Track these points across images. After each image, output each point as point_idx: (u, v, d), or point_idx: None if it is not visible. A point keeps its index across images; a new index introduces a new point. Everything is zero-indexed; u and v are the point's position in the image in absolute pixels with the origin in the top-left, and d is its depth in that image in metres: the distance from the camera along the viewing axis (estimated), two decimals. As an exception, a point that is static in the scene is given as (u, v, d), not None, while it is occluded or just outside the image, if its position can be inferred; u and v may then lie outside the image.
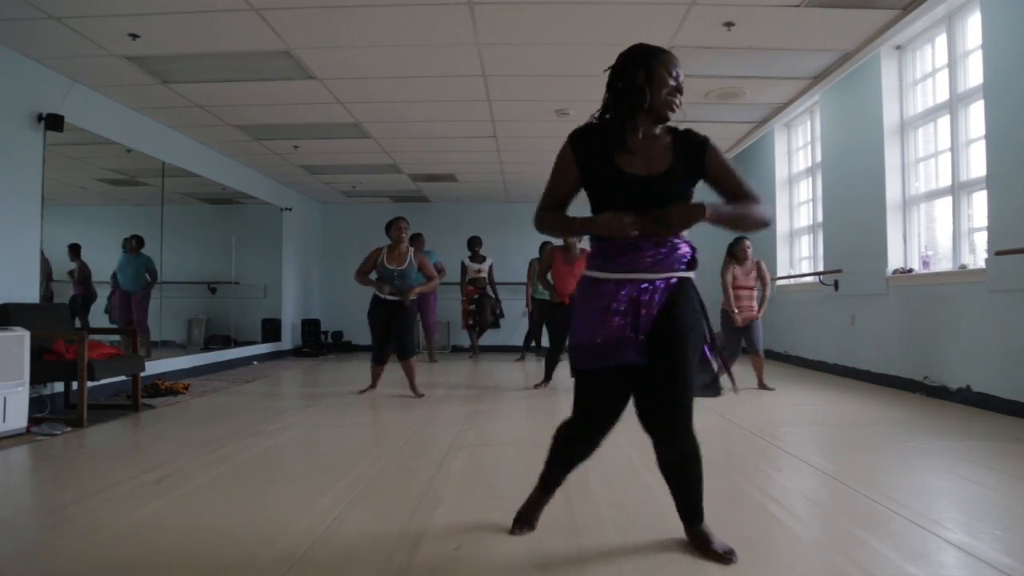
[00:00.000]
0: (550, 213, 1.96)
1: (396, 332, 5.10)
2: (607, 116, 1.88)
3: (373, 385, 5.31)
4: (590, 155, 1.87)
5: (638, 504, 2.45)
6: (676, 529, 2.03)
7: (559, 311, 5.50)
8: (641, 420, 1.89)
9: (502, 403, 5.00)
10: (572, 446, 2.02)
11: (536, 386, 5.59)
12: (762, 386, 5.39)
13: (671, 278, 1.86)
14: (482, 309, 8.59)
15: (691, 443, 1.89)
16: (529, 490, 2.14)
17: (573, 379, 1.95)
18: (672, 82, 1.82)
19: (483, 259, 8.71)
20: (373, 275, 5.09)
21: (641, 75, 1.79)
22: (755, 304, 5.52)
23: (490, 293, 8.77)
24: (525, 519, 2.10)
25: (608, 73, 1.88)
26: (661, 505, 2.41)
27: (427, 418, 4.23)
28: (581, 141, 1.90)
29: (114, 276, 6.55)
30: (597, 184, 1.88)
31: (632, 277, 1.84)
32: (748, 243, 5.60)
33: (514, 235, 9.89)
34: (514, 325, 9.40)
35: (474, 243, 8.71)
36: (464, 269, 8.74)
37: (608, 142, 1.85)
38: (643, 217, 1.77)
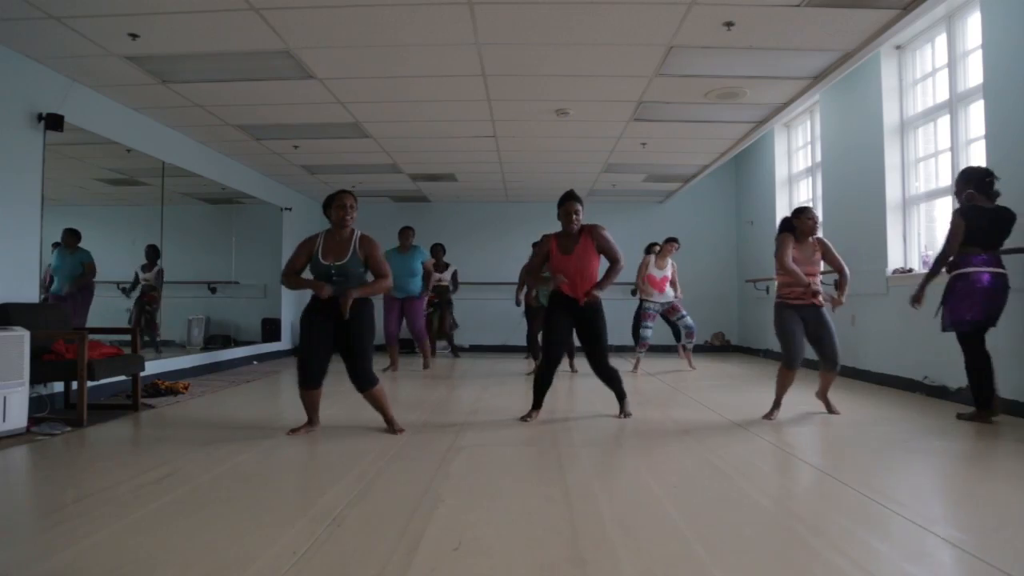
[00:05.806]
0: None
1: (346, 351, 3.61)
2: None
3: (310, 420, 3.73)
4: None
5: (638, 504, 2.45)
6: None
7: (557, 309, 4.08)
8: None
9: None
10: None
11: (524, 418, 4.14)
12: (823, 399, 4.45)
13: None
14: (438, 315, 8.37)
15: None
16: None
17: None
18: None
19: (446, 267, 8.42)
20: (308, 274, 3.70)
21: None
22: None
23: (450, 300, 8.49)
24: None
25: None
26: (661, 505, 2.42)
27: (427, 418, 4.23)
28: None
29: (51, 279, 5.55)
30: None
31: None
32: (814, 215, 4.24)
33: (514, 235, 9.91)
34: (514, 326, 9.40)
35: (437, 251, 8.28)
36: (428, 275, 8.33)
37: None
38: None
